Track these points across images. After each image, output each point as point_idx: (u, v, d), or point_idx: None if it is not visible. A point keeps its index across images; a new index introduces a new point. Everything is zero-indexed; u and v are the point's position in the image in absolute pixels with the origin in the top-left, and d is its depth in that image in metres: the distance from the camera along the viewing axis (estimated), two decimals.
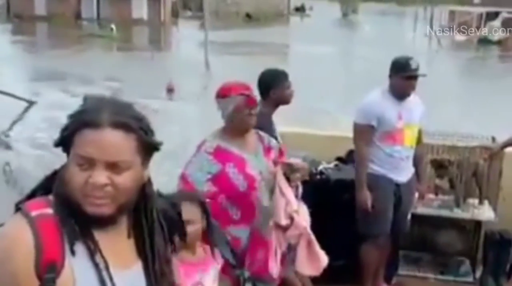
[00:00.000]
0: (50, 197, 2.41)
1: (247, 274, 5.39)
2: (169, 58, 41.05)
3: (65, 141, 2.37)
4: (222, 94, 5.48)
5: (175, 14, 68.66)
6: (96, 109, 2.34)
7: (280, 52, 48.32)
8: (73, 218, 2.35)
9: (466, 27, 61.89)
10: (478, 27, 62.27)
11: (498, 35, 60.35)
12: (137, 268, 2.51)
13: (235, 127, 5.51)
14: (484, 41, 59.19)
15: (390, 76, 7.08)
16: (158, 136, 2.50)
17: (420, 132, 7.36)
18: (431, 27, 62.66)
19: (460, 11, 66.89)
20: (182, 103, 25.23)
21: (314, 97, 24.65)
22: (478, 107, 25.35)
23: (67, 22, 58.54)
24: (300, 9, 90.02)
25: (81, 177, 2.30)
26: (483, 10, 63.85)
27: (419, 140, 7.36)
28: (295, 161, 5.81)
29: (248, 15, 64.49)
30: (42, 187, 2.48)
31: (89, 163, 2.29)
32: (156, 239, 2.54)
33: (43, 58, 37.66)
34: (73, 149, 2.33)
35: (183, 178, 5.43)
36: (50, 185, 2.44)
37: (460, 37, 61.26)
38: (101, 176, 2.29)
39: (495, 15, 62.25)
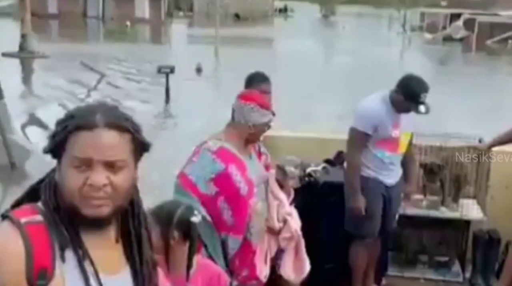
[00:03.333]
0: (39, 204, 2.17)
1: (235, 283, 4.78)
2: (179, 48, 43.43)
3: (56, 147, 2.14)
4: (262, 103, 4.93)
5: (170, 14, 69.68)
6: (89, 112, 2.15)
7: (270, 46, 50.40)
8: (63, 224, 2.12)
9: (433, 27, 62.27)
10: (444, 27, 62.70)
11: (460, 33, 60.65)
12: (125, 273, 2.27)
13: (247, 136, 4.95)
14: (449, 39, 60.30)
15: (397, 91, 6.16)
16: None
17: (411, 136, 6.55)
18: (404, 26, 63.77)
19: (429, 12, 67.71)
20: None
21: (299, 88, 25.46)
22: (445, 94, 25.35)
23: (76, 20, 59.21)
24: (283, 10, 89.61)
25: (79, 179, 2.09)
26: (449, 11, 64.50)
27: (409, 143, 6.56)
28: (289, 168, 5.29)
29: (237, 15, 64.82)
30: (28, 196, 2.23)
31: (86, 164, 2.09)
32: (143, 243, 2.31)
33: (77, 48, 38.53)
34: (68, 152, 2.11)
35: (182, 176, 4.79)
36: (37, 194, 2.21)
37: (428, 35, 61.96)
38: (100, 176, 2.09)
39: (458, 16, 62.82)
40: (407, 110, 6.15)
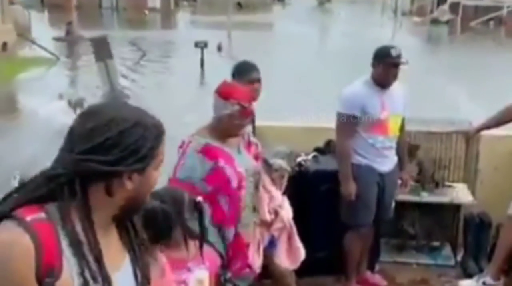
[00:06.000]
0: (45, 205, 1.96)
1: (228, 275, 4.29)
2: (192, 32, 42.35)
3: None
4: (223, 95, 4.41)
5: (176, 4, 69.74)
6: (156, 118, 2.10)
7: (271, 30, 50.24)
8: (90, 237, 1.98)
9: (422, 11, 62.36)
10: (431, 11, 62.57)
11: (446, 16, 60.40)
12: (127, 265, 2.14)
13: (223, 130, 4.45)
14: (435, 22, 59.95)
15: (373, 65, 5.78)
16: None
17: (403, 121, 6.03)
18: (395, 11, 64.44)
19: None
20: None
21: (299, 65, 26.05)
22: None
23: (93, 11, 59.95)
24: None
25: (156, 176, 2.11)
26: None
27: (401, 129, 6.03)
28: (275, 161, 5.06)
29: (239, 4, 64.82)
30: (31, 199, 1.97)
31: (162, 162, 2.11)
32: (139, 231, 2.19)
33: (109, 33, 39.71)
34: (156, 158, 2.07)
35: (176, 182, 4.28)
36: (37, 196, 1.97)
37: (417, 19, 61.67)
38: None
39: (445, 0, 62.50)
40: (387, 75, 5.73)
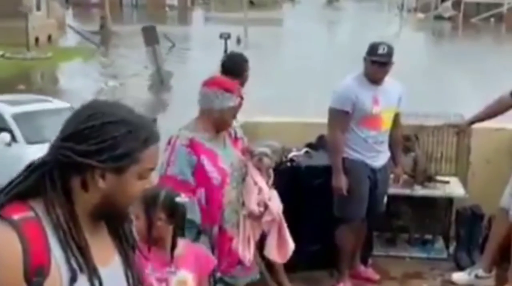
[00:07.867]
0: (29, 202, 1.85)
1: (218, 275, 4.21)
2: (209, 27, 45.20)
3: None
4: (225, 87, 4.26)
5: (192, 2, 72.53)
6: (150, 124, 1.97)
7: (283, 26, 51.75)
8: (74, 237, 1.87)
9: (426, 7, 62.66)
10: (435, 7, 62.47)
11: (449, 13, 60.43)
12: (116, 262, 2.01)
13: (216, 123, 4.28)
14: (439, 18, 60.71)
15: (363, 60, 5.57)
16: None
17: (397, 116, 5.78)
18: (401, 8, 64.76)
19: None
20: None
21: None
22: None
23: (115, 8, 60.73)
24: None
25: (140, 186, 1.94)
26: None
27: (396, 124, 5.78)
28: (262, 149, 4.76)
29: (251, 2, 65.25)
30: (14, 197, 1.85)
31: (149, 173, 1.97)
32: (128, 228, 2.07)
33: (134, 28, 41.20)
34: (140, 165, 1.90)
35: (170, 180, 4.08)
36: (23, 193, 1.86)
37: (421, 15, 62.06)
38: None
39: None
40: (373, 71, 5.50)
